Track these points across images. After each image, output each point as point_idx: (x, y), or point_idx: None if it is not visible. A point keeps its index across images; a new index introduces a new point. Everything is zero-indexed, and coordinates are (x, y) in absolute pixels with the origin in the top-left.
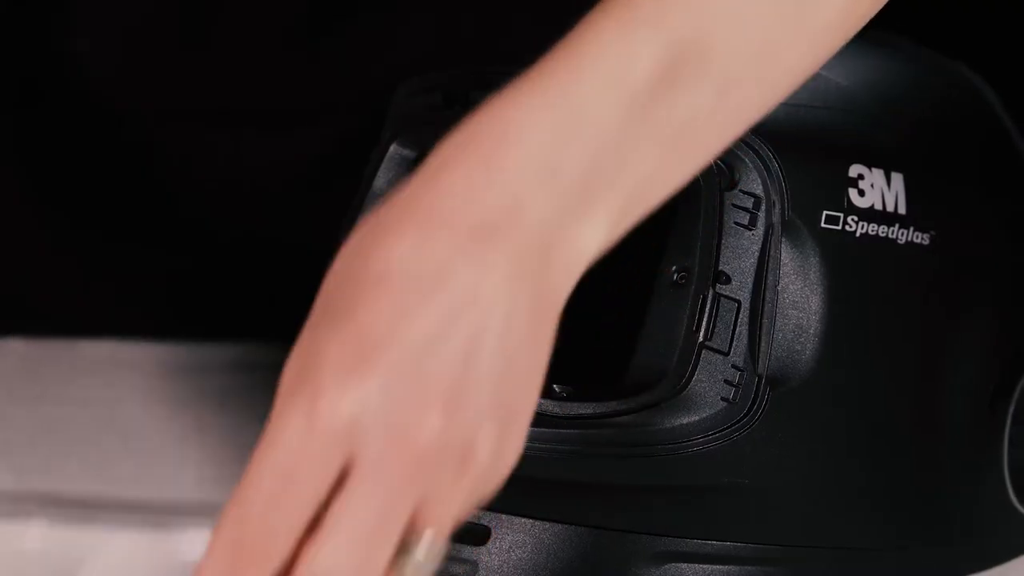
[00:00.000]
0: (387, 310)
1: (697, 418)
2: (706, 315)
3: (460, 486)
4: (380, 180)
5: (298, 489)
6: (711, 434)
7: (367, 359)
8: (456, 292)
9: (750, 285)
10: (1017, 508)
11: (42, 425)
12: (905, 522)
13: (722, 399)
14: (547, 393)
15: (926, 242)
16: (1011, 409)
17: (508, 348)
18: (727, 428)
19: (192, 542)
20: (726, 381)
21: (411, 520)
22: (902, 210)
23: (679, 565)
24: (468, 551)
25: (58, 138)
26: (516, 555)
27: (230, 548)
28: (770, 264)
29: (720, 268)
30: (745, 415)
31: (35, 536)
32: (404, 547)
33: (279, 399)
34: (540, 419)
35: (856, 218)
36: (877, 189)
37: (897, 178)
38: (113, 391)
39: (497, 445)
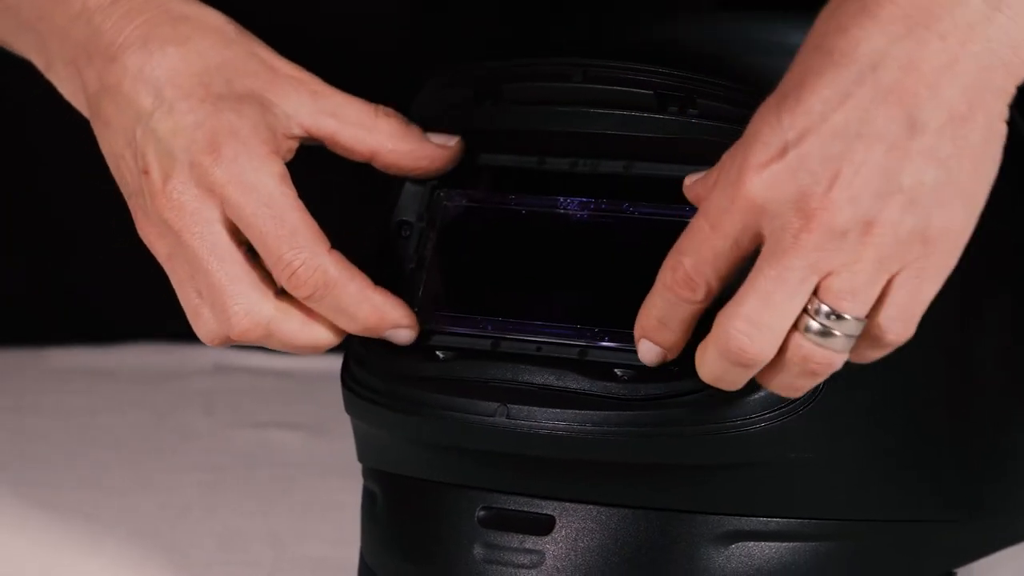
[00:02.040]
0: (826, 90)
1: (763, 393)
2: None
3: (863, 261)
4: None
5: (715, 240)
6: (778, 409)
7: (787, 149)
8: (888, 77)
9: None
10: None
11: (25, 437)
12: (954, 494)
13: None
14: (610, 376)
15: None
16: None
17: (937, 135)
18: (793, 403)
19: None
20: None
21: (820, 289)
22: None
23: (746, 544)
24: (533, 541)
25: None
26: (583, 543)
27: (667, 285)
28: None
29: None
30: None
31: (36, 550)
32: (810, 313)
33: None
34: (605, 402)
35: None
36: None
37: None
38: (90, 399)
39: (908, 224)
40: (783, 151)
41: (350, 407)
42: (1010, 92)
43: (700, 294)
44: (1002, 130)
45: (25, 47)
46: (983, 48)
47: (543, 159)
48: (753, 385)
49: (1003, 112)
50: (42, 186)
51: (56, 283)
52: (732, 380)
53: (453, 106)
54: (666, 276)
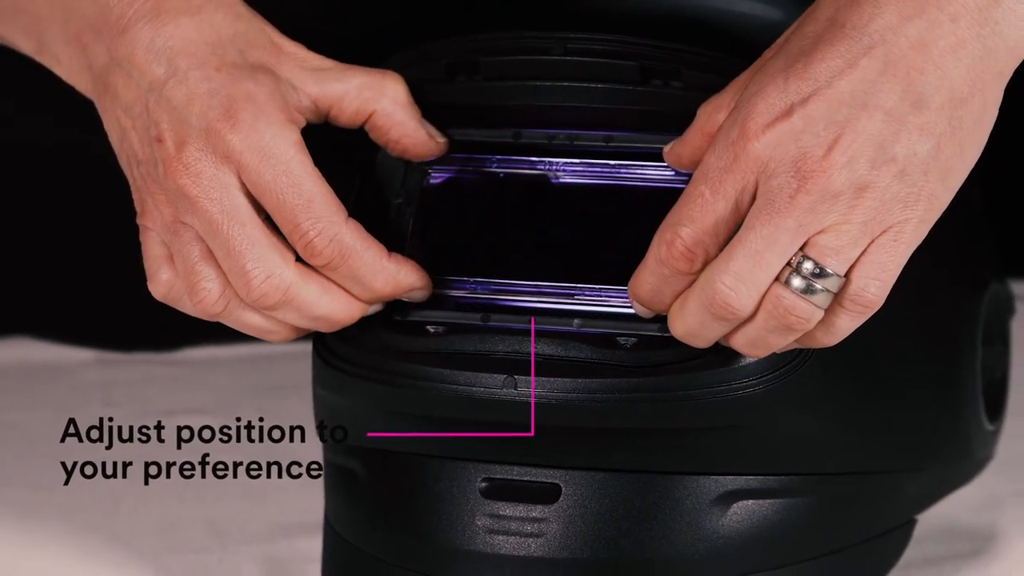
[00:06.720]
0: (836, 59)
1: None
2: None
3: (850, 222)
4: (383, 158)
5: (716, 203)
6: (778, 369)
7: (793, 111)
8: (897, 52)
9: None
10: (986, 426)
11: None
12: (920, 445)
13: None
14: (613, 344)
15: None
16: (979, 333)
17: (937, 112)
18: (791, 363)
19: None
20: None
21: (807, 245)
22: None
23: (746, 502)
24: (539, 510)
25: None
26: (589, 509)
27: (662, 260)
28: None
29: None
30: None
31: None
32: (792, 267)
33: (729, 111)
34: (607, 369)
35: None
36: None
37: None
38: None
39: (894, 190)
40: (789, 112)
41: (335, 386)
42: (1007, 76)
43: (698, 265)
44: (993, 115)
45: (9, 31)
46: (990, 31)
47: (519, 133)
48: None
49: (998, 97)
50: None
51: None
52: (707, 335)
53: (424, 82)
54: (660, 251)
